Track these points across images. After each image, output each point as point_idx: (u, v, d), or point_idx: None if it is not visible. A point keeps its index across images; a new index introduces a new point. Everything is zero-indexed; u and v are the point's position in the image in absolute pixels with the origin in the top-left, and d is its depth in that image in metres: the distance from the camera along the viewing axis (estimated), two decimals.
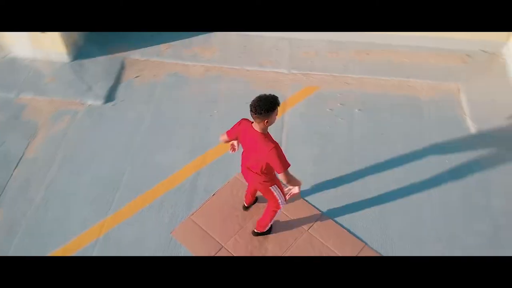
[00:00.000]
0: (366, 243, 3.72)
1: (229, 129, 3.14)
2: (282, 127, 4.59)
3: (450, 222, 3.86)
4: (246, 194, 3.83)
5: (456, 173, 4.19)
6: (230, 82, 5.09)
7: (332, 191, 4.07)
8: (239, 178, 4.06)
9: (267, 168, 3.05)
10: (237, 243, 3.73)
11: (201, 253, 3.66)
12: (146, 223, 3.86)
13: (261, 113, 2.78)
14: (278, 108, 2.87)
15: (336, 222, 3.86)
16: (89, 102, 4.86)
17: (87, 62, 5.26)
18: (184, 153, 4.38)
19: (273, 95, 2.85)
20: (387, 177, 4.17)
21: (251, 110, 2.80)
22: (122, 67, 5.26)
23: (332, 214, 3.91)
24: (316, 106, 4.81)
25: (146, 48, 5.44)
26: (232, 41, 5.52)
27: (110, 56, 5.33)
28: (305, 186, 4.07)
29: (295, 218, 3.88)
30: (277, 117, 2.91)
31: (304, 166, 4.24)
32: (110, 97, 4.93)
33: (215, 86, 5.05)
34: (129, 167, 4.27)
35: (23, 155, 4.34)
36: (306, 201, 3.99)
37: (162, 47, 5.47)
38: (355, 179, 4.17)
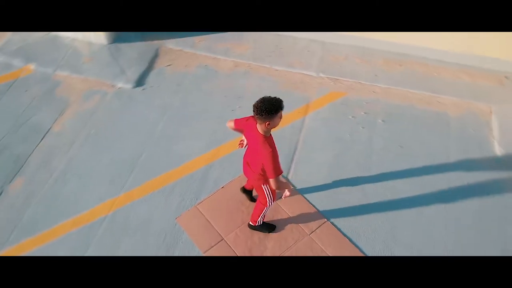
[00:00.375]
0: (366, 255, 3.65)
1: (239, 118, 3.16)
2: (301, 129, 4.58)
3: (460, 242, 3.72)
4: (248, 180, 3.87)
5: (474, 194, 4.03)
6: (258, 80, 5.12)
7: (341, 199, 4.02)
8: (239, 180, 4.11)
9: (263, 169, 3.06)
10: (238, 237, 3.77)
11: (201, 242, 3.73)
12: (155, 206, 3.98)
13: (262, 115, 2.77)
14: (282, 112, 2.86)
15: (340, 230, 3.80)
16: (120, 84, 5.06)
17: (124, 46, 5.47)
18: (201, 144, 4.47)
19: (278, 98, 2.83)
20: (402, 191, 4.07)
21: (253, 111, 2.80)
22: (156, 55, 5.43)
23: (337, 221, 3.86)
24: (339, 112, 4.76)
25: (181, 39, 5.59)
26: (264, 40, 5.56)
27: (146, 43, 5.52)
28: (315, 190, 4.08)
29: (299, 220, 3.87)
30: (283, 120, 2.94)
31: (317, 170, 4.22)
32: (140, 82, 5.11)
33: (242, 82, 5.11)
34: (147, 151, 4.41)
35: (50, 128, 4.59)
36: (313, 205, 3.97)
37: (196, 39, 5.60)
38: (368, 189, 4.09)
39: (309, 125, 4.63)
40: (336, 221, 3.87)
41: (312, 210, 3.94)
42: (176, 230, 3.82)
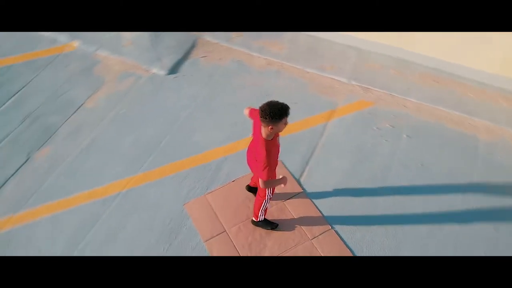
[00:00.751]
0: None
1: (255, 109, 3.08)
2: (322, 134, 4.54)
3: None
4: (252, 177, 3.90)
5: (490, 221, 3.84)
6: (287, 80, 5.13)
7: (350, 209, 3.95)
8: None
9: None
10: (240, 231, 3.80)
11: (204, 230, 3.81)
12: (166, 190, 4.10)
13: (266, 118, 2.77)
14: (287, 118, 2.85)
15: (343, 240, 3.74)
16: (155, 70, 5.24)
17: (164, 34, 5.65)
18: (221, 136, 4.54)
19: (285, 104, 2.82)
20: (415, 209, 3.94)
21: (259, 113, 2.81)
22: (193, 45, 5.57)
23: (341, 230, 3.81)
24: (364, 122, 4.67)
25: (219, 32, 5.68)
26: (301, 41, 5.55)
27: (185, 33, 5.67)
28: (325, 195, 4.04)
29: (303, 223, 3.84)
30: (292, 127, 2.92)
31: (331, 176, 4.17)
32: (174, 70, 5.26)
33: (272, 81, 5.13)
34: (169, 136, 4.54)
35: (83, 103, 4.84)
36: (319, 210, 3.93)
37: (234, 34, 5.68)
38: (380, 203, 4.00)
39: (331, 130, 4.58)
40: (340, 230, 3.82)
41: (318, 215, 3.91)
42: (182, 216, 3.91)
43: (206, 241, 3.75)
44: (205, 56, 5.45)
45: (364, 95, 4.94)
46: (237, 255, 3.65)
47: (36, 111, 4.74)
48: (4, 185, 4.10)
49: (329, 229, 3.81)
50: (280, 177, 3.17)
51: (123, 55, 5.39)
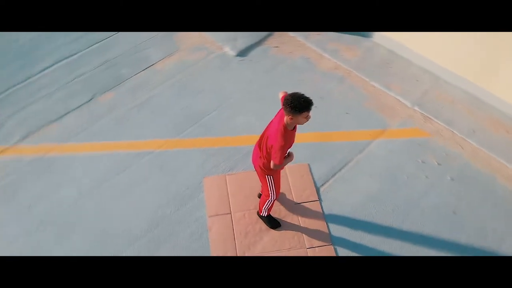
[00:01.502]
0: None
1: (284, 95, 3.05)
2: (361, 151, 4.37)
3: None
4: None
5: None
6: (348, 88, 4.99)
7: (358, 234, 3.78)
8: (285, 171, 4.16)
9: (268, 154, 3.09)
10: (243, 218, 3.89)
11: (212, 207, 3.96)
12: (194, 160, 4.32)
13: (287, 107, 2.79)
14: (309, 113, 2.84)
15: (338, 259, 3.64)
16: (227, 49, 5.46)
17: None
18: (261, 125, 4.59)
19: (309, 98, 2.81)
20: (428, 255, 3.62)
21: (283, 100, 2.83)
22: (270, 34, 5.67)
23: (341, 251, 3.68)
24: (410, 151, 4.38)
25: None
26: (378, 52, 5.33)
27: None
28: (339, 212, 3.93)
29: (305, 231, 3.80)
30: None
31: (353, 195, 4.03)
32: (244, 53, 5.43)
33: (332, 85, 5.04)
34: (215, 113, 4.75)
35: (154, 64, 5.26)
36: (327, 224, 3.84)
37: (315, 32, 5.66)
38: (391, 239, 3.76)
39: (372, 149, 4.39)
40: (340, 250, 3.69)
41: (324, 228, 3.82)
42: (198, 187, 4.11)
43: (210, 217, 3.90)
44: (277, 47, 5.52)
45: (423, 124, 4.62)
46: (232, 239, 3.75)
47: (113, 60, 5.27)
48: (65, 116, 4.68)
49: (329, 244, 3.72)
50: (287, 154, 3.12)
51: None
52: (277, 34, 5.67)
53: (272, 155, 2.99)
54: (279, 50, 5.47)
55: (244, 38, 5.57)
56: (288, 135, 2.95)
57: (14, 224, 3.87)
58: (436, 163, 4.28)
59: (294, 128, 3.02)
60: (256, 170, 3.38)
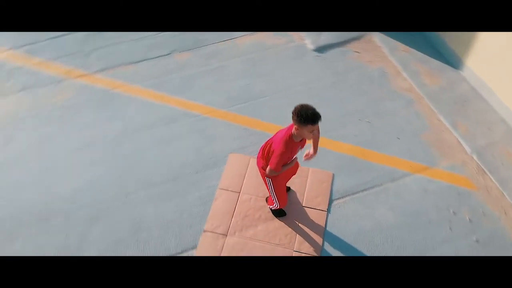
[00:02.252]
0: None
1: None
2: (393, 180, 4.16)
3: None
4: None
5: None
6: (411, 114, 4.71)
7: (352, 255, 3.69)
8: (307, 173, 4.18)
9: (268, 158, 3.15)
10: (248, 201, 4.02)
11: (225, 181, 4.16)
12: (229, 134, 4.54)
13: (293, 116, 2.81)
14: (313, 127, 2.82)
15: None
16: (307, 41, 5.48)
17: None
18: None
19: (316, 112, 2.78)
20: None
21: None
22: (356, 38, 5.54)
23: (325, 265, 3.63)
24: (445, 197, 4.03)
25: (389, 38, 5.46)
26: (460, 88, 4.89)
27: None
28: (341, 231, 3.86)
29: (301, 234, 3.81)
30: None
31: (364, 220, 3.89)
32: (322, 49, 5.41)
33: (396, 105, 4.79)
34: (271, 99, 4.87)
35: (235, 38, 5.58)
36: (324, 237, 3.78)
37: (401, 47, 5.37)
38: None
39: (406, 182, 4.15)
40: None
41: (319, 239, 3.78)
42: (222, 160, 4.33)
43: (220, 189, 4.12)
44: (358, 52, 5.38)
45: (473, 175, 4.19)
46: (231, 216, 3.92)
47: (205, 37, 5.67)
48: (141, 62, 5.24)
49: (317, 256, 3.69)
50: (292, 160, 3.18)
51: None
52: (364, 39, 5.51)
53: (271, 160, 3.05)
54: (359, 56, 5.33)
55: (328, 35, 5.53)
56: (291, 144, 2.97)
57: (61, 141, 4.53)
58: (468, 218, 3.90)
59: (302, 141, 3.03)
60: (259, 170, 3.45)
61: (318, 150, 3.34)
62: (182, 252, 3.72)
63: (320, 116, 2.82)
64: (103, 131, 4.56)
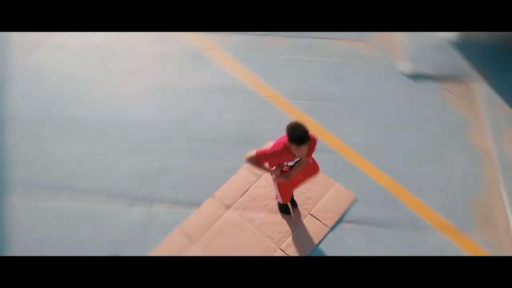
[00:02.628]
0: None
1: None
2: (415, 229, 3.89)
3: None
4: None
5: None
6: (471, 172, 4.28)
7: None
8: (331, 187, 4.17)
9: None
10: (263, 188, 4.14)
11: (245, 170, 4.31)
12: (279, 122, 4.29)
13: (286, 129, 2.88)
14: (299, 147, 2.86)
15: None
16: (402, 63, 5.24)
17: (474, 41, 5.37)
18: (353, 141, 4.53)
19: (306, 137, 2.82)
20: None
21: None
22: (456, 79, 5.09)
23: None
24: None
25: (491, 91, 4.95)
26: None
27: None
28: (335, 253, 3.80)
29: (295, 235, 3.87)
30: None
31: (365, 250, 3.78)
32: (413, 77, 5.13)
33: (459, 157, 4.41)
34: (334, 104, 4.87)
35: (337, 39, 5.60)
36: (314, 248, 3.78)
37: (501, 105, 4.82)
38: None
39: (423, 234, 3.84)
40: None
41: (307, 250, 3.78)
42: (260, 144, 4.39)
43: (244, 168, 4.29)
44: (451, 93, 4.98)
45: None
46: (241, 193, 4.13)
47: None
48: (238, 34, 5.60)
49: (304, 257, 3.71)
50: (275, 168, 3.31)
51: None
52: (462, 82, 5.05)
53: (261, 149, 3.11)
54: (449, 97, 4.93)
55: (426, 64, 5.21)
56: (286, 151, 3.02)
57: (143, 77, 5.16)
58: None
59: (297, 156, 3.07)
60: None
61: (291, 176, 3.33)
62: (188, 204, 4.06)
63: (307, 140, 2.84)
64: (180, 81, 5.14)
